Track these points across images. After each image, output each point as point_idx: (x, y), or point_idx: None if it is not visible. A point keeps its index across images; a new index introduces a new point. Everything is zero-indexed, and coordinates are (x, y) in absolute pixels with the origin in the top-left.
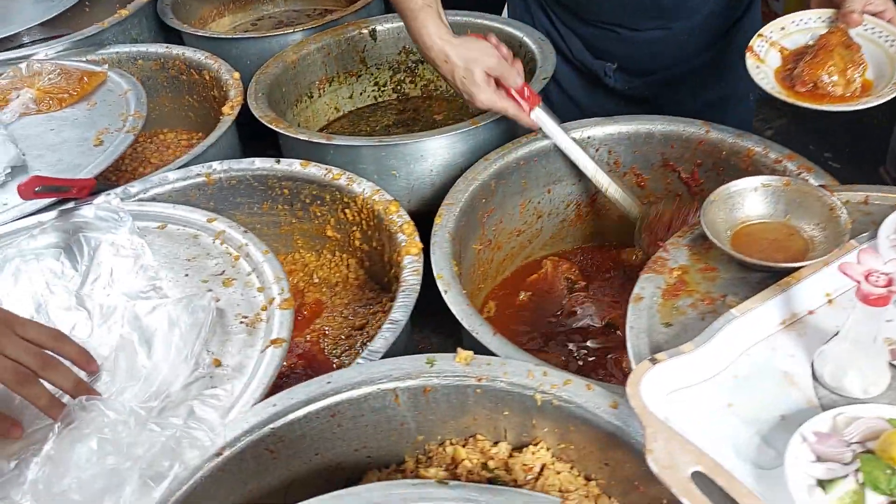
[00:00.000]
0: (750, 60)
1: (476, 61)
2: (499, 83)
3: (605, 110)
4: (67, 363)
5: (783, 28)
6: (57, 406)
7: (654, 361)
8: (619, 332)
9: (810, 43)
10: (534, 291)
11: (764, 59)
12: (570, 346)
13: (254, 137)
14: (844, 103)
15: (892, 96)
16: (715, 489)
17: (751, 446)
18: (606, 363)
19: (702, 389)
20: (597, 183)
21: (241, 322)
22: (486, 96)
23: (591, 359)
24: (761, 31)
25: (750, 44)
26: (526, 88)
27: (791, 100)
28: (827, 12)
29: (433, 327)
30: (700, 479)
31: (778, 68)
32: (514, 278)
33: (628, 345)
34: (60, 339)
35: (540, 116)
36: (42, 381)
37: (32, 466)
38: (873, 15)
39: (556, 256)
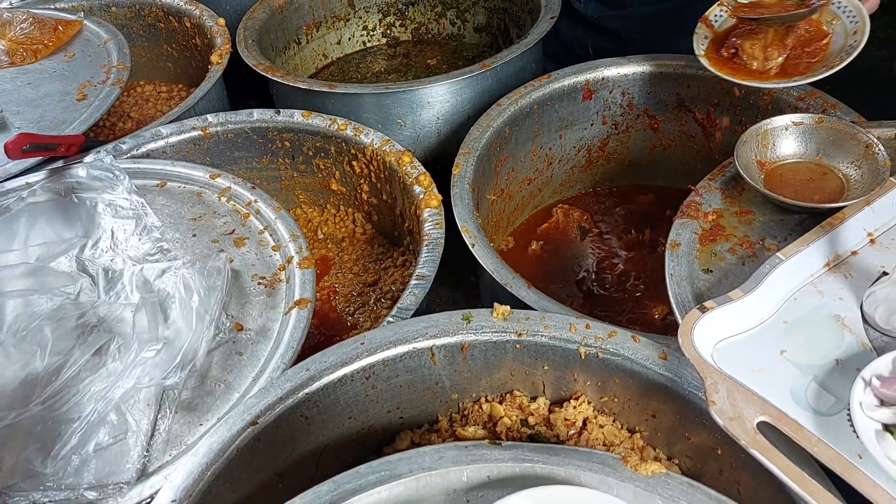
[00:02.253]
0: (699, 30)
1: None
2: None
3: (579, 40)
4: None
5: None
6: None
7: (703, 310)
8: (636, 279)
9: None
10: (546, 240)
11: (719, 29)
12: (588, 294)
13: (233, 87)
14: (751, 79)
15: (796, 84)
16: (780, 438)
17: (809, 393)
18: (627, 310)
19: (753, 337)
20: None
21: (259, 283)
22: None
23: (611, 306)
24: None
25: (706, 13)
26: None
27: (707, 64)
28: None
29: (439, 280)
30: (765, 428)
31: (724, 30)
32: (525, 228)
33: (670, 293)
34: None
35: None
36: None
37: None
38: None
39: (565, 203)
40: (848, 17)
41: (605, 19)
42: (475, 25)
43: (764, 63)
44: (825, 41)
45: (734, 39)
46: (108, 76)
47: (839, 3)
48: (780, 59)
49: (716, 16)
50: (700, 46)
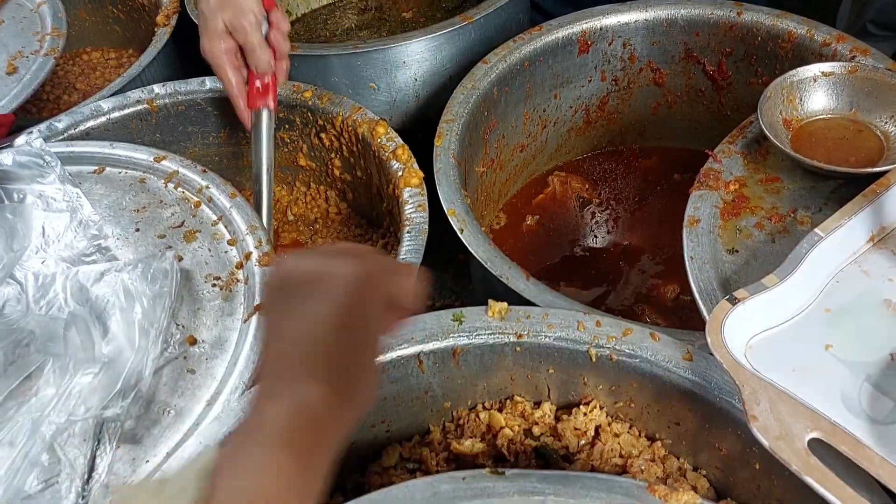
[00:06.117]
0: None
1: (225, 9)
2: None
3: None
4: None
5: None
6: None
7: (733, 301)
8: (643, 254)
9: None
10: (541, 214)
11: None
12: (589, 273)
13: (189, 53)
14: None
15: None
16: (832, 453)
17: (863, 397)
18: (640, 295)
19: (791, 329)
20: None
21: (214, 285)
22: (209, 46)
23: (616, 285)
24: None
25: None
26: (270, 82)
27: None
28: None
29: (424, 262)
30: (817, 445)
31: None
32: (518, 201)
33: (691, 280)
34: None
35: (261, 120)
36: None
37: None
38: None
39: (561, 170)
40: None
41: None
42: None
43: None
44: None
45: None
46: (42, 45)
47: None
48: None
49: None
50: None
